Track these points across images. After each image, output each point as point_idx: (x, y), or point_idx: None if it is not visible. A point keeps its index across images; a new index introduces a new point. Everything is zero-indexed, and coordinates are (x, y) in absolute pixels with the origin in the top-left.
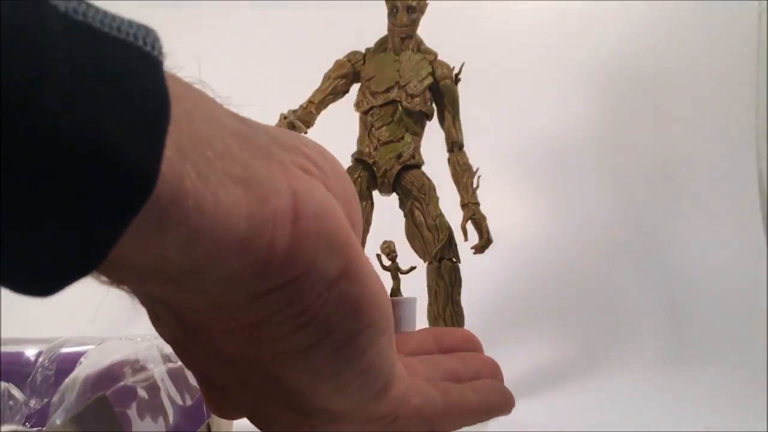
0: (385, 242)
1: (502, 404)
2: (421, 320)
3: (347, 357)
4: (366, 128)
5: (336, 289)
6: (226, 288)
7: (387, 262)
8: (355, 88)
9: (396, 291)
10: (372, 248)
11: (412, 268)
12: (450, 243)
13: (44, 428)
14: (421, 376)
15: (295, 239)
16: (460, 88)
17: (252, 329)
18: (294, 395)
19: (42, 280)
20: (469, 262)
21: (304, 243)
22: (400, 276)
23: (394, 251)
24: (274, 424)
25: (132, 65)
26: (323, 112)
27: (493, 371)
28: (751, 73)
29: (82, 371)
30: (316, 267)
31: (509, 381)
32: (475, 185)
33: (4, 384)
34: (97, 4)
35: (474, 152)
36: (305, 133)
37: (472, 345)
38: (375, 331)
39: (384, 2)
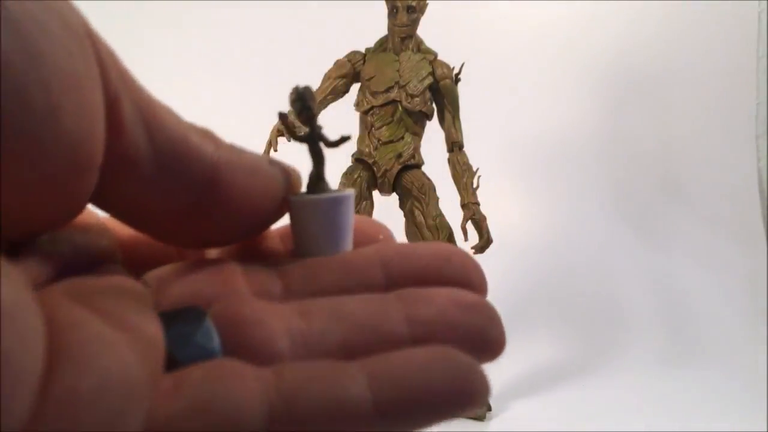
0: (294, 89)
1: (451, 397)
2: None
3: None
4: (366, 128)
5: None
6: None
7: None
8: (355, 88)
9: (316, 180)
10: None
11: (345, 139)
12: (450, 243)
13: None
14: (288, 350)
15: None
16: (461, 88)
17: None
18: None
19: None
20: None
21: None
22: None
23: (309, 99)
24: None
25: None
26: (323, 112)
27: (476, 323)
28: (751, 73)
29: None
30: None
31: (509, 381)
32: (475, 185)
33: None
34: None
35: (474, 152)
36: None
37: (452, 267)
38: None
39: (384, 2)
